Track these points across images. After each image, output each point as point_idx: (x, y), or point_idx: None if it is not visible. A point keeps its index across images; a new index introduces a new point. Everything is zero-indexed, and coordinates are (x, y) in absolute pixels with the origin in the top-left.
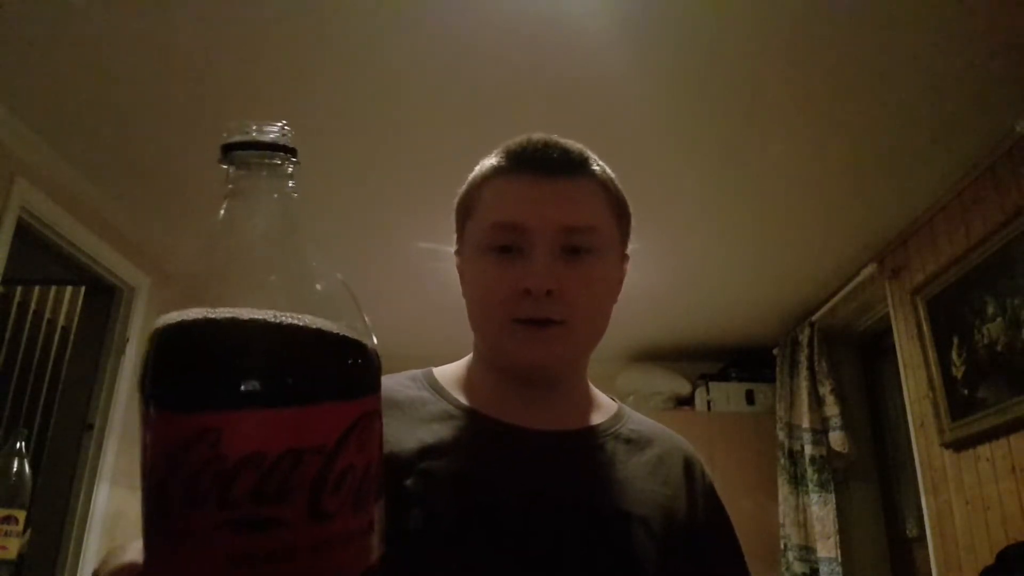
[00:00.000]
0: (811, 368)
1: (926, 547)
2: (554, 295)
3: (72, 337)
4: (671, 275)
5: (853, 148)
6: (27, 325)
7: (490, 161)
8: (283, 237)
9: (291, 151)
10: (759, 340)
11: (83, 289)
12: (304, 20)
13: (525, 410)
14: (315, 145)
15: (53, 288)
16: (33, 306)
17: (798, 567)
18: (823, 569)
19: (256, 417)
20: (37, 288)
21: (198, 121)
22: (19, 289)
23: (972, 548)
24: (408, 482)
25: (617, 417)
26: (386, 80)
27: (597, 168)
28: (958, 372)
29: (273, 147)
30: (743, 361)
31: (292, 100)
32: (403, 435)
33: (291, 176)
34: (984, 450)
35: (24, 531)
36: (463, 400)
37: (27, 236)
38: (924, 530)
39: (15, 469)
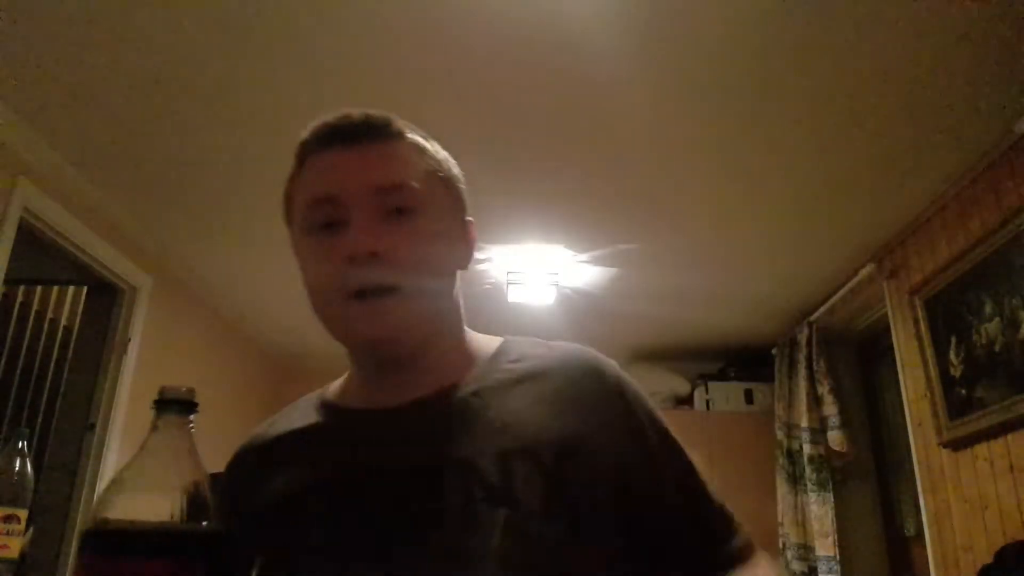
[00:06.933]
0: (810, 368)
1: (924, 546)
2: (380, 257)
3: (74, 337)
4: (670, 275)
5: (852, 149)
6: (29, 325)
7: (297, 142)
8: (178, 459)
9: (195, 406)
10: (758, 340)
11: (85, 289)
12: (307, 22)
13: (383, 392)
14: None
15: (55, 288)
16: (35, 306)
17: (797, 566)
18: (821, 568)
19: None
20: (39, 288)
21: (201, 122)
22: (21, 289)
23: (970, 547)
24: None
25: (490, 362)
26: (389, 80)
27: (407, 131)
28: (956, 372)
29: (184, 403)
30: (742, 361)
31: (294, 100)
32: (277, 460)
33: (192, 421)
34: (982, 449)
35: (26, 530)
36: (333, 398)
37: (30, 236)
38: (922, 529)
39: (17, 468)
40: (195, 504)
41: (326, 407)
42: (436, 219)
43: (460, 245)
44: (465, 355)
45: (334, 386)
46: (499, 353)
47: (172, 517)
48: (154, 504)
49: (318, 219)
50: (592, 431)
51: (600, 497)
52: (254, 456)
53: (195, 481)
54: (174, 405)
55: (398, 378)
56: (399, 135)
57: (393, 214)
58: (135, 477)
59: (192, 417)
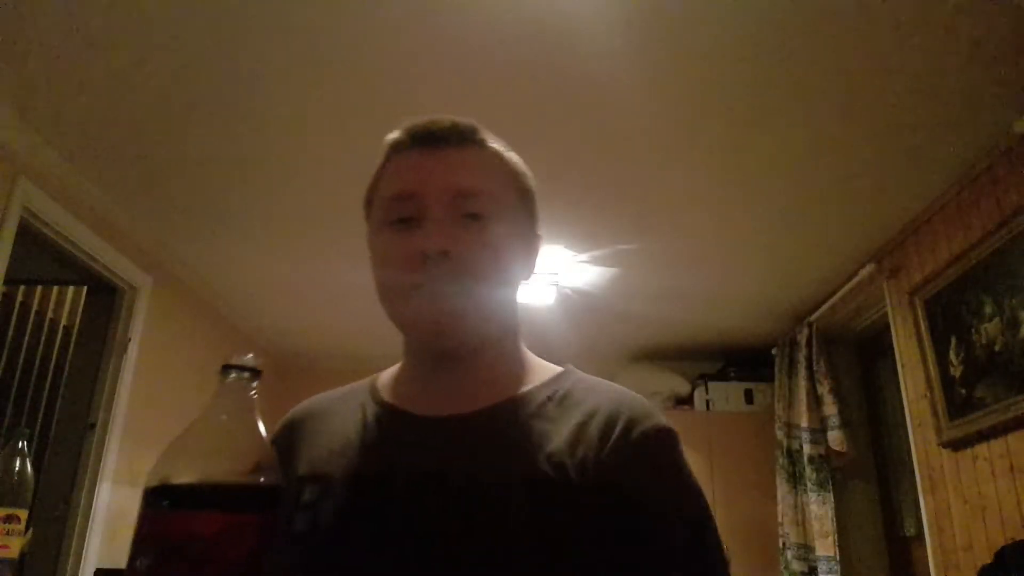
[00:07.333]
0: (809, 368)
1: (924, 546)
2: (451, 257)
3: (74, 337)
4: (671, 275)
5: (852, 148)
6: (29, 325)
7: (386, 141)
8: (240, 421)
9: (259, 373)
10: (758, 340)
11: (85, 289)
12: (307, 23)
13: (429, 394)
14: (317, 145)
15: (55, 288)
16: (35, 306)
17: (796, 565)
18: (821, 567)
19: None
20: (39, 288)
21: (201, 122)
22: (21, 289)
23: (970, 547)
24: (307, 477)
25: (543, 388)
26: (388, 79)
27: (490, 140)
28: (956, 372)
29: (248, 370)
30: (742, 361)
31: (293, 101)
32: (316, 440)
33: (255, 387)
34: (982, 449)
35: (26, 530)
36: (383, 393)
37: (29, 236)
38: (922, 529)
39: (17, 468)
40: (253, 463)
41: (373, 399)
42: (508, 228)
43: (526, 257)
44: (517, 375)
45: (385, 376)
46: (555, 381)
47: (230, 474)
48: (213, 462)
49: (396, 214)
50: (622, 475)
51: (608, 536)
52: (290, 432)
53: (253, 442)
54: (238, 370)
55: (447, 379)
56: (482, 143)
57: (468, 218)
58: (196, 436)
59: (255, 384)
